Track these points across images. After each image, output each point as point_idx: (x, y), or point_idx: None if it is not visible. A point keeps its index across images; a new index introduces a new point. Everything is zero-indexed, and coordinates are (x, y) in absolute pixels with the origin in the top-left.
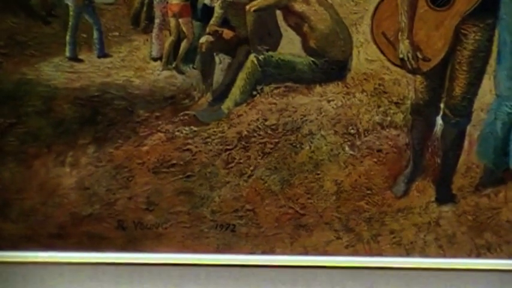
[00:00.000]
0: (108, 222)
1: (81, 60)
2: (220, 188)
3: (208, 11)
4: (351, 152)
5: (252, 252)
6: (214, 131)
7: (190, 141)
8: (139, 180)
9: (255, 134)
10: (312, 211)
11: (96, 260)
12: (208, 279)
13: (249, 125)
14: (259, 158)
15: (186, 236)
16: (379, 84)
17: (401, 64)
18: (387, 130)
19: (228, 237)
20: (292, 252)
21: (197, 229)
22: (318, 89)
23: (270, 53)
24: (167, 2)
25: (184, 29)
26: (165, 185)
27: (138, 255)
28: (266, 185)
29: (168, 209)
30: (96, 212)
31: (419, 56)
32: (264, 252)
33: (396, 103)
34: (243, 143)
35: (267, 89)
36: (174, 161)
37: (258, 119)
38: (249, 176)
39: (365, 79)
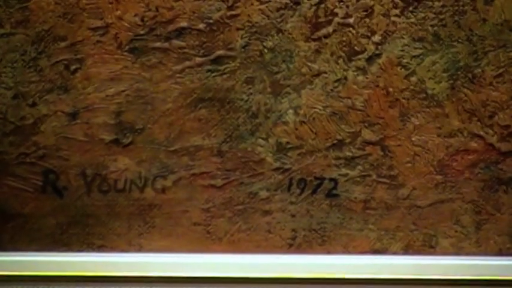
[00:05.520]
0: (19, 174)
1: None
2: (297, 89)
3: None
4: None
5: (374, 251)
6: None
7: None
8: (96, 71)
9: None
10: None
11: None
12: None
13: None
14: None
15: (215, 212)
16: None
17: None
18: None
19: (320, 214)
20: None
21: (241, 193)
22: None
23: None
24: None
25: None
26: (159, 81)
27: (97, 257)
28: (416, 80)
29: (170, 142)
30: None
31: None
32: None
33: None
34: None
35: None
36: (184, 23)
37: None
38: (373, 57)
39: None
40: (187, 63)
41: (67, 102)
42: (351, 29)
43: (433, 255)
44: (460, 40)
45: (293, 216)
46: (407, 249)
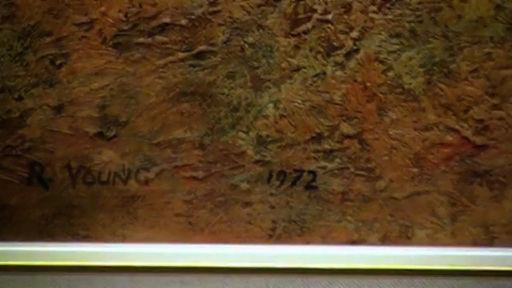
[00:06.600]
0: (5, 167)
1: None
2: (277, 83)
3: None
4: None
5: (352, 241)
6: None
7: None
8: (81, 66)
9: None
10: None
11: None
12: None
13: None
14: None
15: (197, 203)
16: None
17: None
18: None
19: (300, 205)
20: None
21: (223, 185)
22: None
23: None
24: None
25: None
26: (143, 76)
27: (82, 247)
28: (393, 75)
29: (153, 135)
30: None
31: None
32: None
33: None
34: None
35: None
36: (167, 19)
37: None
38: (351, 52)
39: None
40: (170, 58)
41: (52, 96)
42: (329, 25)
43: (409, 246)
44: (436, 36)
45: (273, 207)
46: (385, 240)
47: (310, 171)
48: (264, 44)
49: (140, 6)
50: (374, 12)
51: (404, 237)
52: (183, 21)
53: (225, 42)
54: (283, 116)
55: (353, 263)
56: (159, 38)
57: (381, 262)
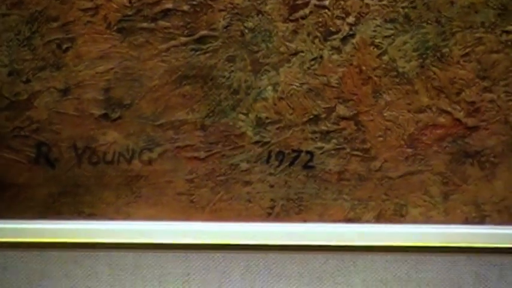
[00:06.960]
0: (14, 147)
1: None
2: (276, 67)
3: None
4: None
5: (348, 219)
6: None
7: None
8: (86, 50)
9: None
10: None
11: None
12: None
13: None
14: None
15: (198, 182)
16: None
17: None
18: None
19: (297, 184)
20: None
21: (223, 165)
22: None
23: None
24: None
25: None
26: (146, 60)
27: (87, 224)
28: (388, 58)
29: (156, 116)
30: None
31: None
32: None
33: None
34: None
35: None
36: (169, 5)
37: None
38: (347, 37)
39: None
40: (173, 42)
41: (59, 79)
42: (326, 10)
43: (403, 224)
44: (429, 21)
45: (272, 186)
46: (379, 218)
47: (307, 152)
48: (263, 29)
49: None
50: None
51: (399, 215)
52: (185, 7)
53: (225, 27)
54: (282, 98)
55: (349, 240)
56: (162, 23)
57: (375, 239)
